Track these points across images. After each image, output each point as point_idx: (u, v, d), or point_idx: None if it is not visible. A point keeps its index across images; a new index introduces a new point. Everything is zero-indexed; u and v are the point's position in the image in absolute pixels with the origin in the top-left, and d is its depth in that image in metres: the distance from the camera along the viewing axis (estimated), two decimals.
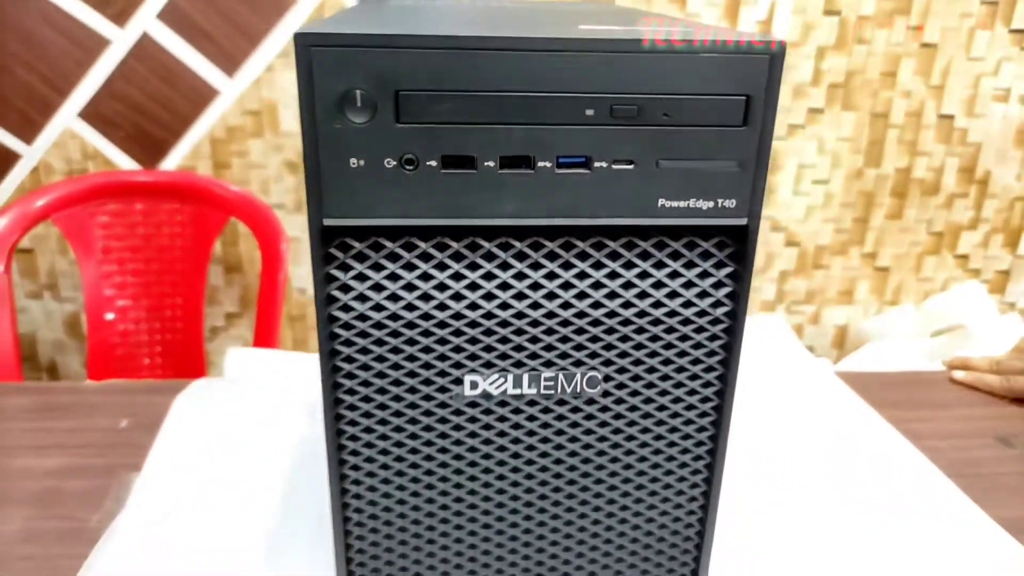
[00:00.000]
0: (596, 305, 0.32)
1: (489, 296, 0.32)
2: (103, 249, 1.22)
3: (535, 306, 0.32)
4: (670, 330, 0.33)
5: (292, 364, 0.78)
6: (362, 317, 0.31)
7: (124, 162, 1.45)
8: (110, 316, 1.22)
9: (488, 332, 0.32)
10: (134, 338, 1.26)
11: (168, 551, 0.51)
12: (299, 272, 1.54)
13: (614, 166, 0.30)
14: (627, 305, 0.32)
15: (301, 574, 0.49)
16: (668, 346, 0.33)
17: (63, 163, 1.46)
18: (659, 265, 0.32)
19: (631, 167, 0.30)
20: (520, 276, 0.31)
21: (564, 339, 0.32)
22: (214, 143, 1.46)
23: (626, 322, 0.32)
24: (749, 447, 0.63)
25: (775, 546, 0.52)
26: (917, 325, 1.52)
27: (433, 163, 0.29)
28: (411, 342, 0.32)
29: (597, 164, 0.30)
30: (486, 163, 0.29)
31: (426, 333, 0.32)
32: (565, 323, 0.32)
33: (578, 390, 0.33)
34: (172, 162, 1.46)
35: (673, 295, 0.32)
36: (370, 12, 0.39)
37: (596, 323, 0.32)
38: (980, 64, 1.52)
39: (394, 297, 0.31)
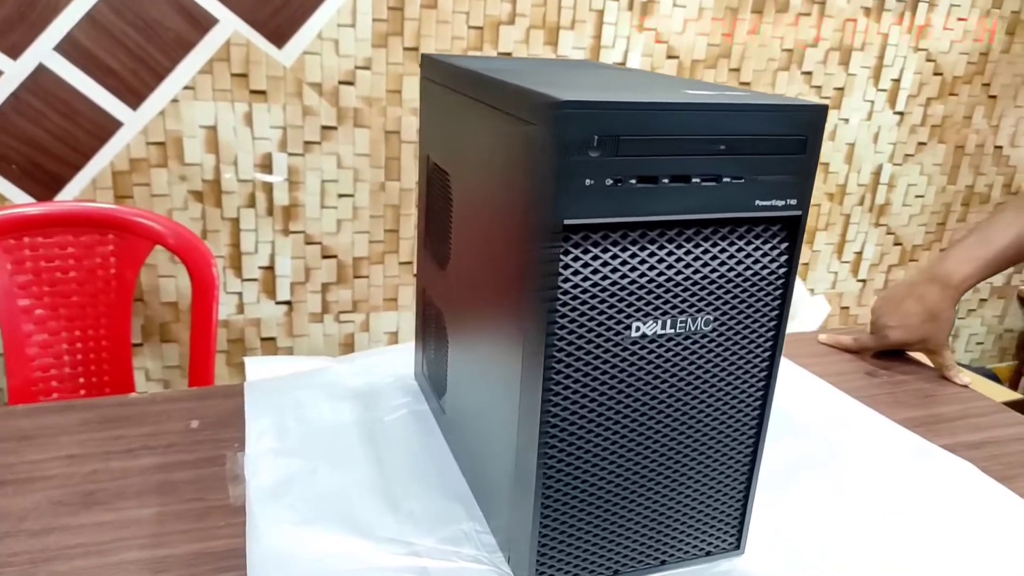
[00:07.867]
0: (714, 269, 0.49)
1: (651, 268, 0.48)
2: (18, 284, 1.21)
3: (678, 272, 0.49)
4: (757, 275, 0.51)
5: (307, 364, 0.87)
6: (575, 284, 0.46)
7: (17, 197, 1.41)
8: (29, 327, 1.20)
9: (649, 292, 0.48)
10: (56, 371, 1.25)
11: (305, 513, 0.61)
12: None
13: (732, 180, 0.47)
14: (739, 263, 0.50)
15: (420, 511, 0.62)
16: (759, 288, 0.51)
17: None
18: (749, 242, 0.50)
19: (741, 181, 0.48)
20: (670, 253, 0.48)
21: (693, 294, 0.49)
22: (116, 175, 1.45)
23: (738, 274, 0.50)
24: None
25: None
26: None
27: (633, 181, 0.45)
28: (602, 300, 0.47)
29: (724, 179, 0.47)
30: (663, 180, 0.46)
31: (612, 294, 0.48)
32: (695, 283, 0.49)
33: (697, 328, 0.50)
34: (70, 195, 1.43)
35: (762, 256, 0.50)
36: (576, 76, 0.54)
37: (714, 281, 0.50)
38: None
39: (595, 271, 0.47)
